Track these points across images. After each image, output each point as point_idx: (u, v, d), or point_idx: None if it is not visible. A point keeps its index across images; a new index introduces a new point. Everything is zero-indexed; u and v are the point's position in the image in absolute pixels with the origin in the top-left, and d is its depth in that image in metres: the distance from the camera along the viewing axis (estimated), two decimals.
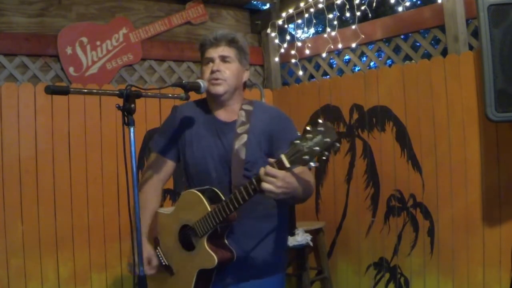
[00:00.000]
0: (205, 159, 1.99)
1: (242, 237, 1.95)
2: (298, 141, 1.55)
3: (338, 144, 1.57)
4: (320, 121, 1.61)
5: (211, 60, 1.99)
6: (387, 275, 3.48)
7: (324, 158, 1.55)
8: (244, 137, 1.97)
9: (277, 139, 1.95)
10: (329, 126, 1.54)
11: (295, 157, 1.55)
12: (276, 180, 1.59)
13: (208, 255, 1.86)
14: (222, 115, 2.04)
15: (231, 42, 2.03)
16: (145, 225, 2.00)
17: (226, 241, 1.92)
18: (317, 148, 1.52)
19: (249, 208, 1.85)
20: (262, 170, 1.61)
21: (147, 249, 1.97)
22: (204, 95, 2.09)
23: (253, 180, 1.67)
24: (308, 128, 1.55)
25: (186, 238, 1.96)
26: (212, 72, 1.97)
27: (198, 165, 2.01)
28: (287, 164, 1.57)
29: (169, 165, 2.10)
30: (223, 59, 2.00)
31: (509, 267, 2.82)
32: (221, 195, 1.91)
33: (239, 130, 1.99)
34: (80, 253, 3.41)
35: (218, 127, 2.02)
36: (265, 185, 1.60)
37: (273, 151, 1.94)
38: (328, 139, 1.52)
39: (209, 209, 1.86)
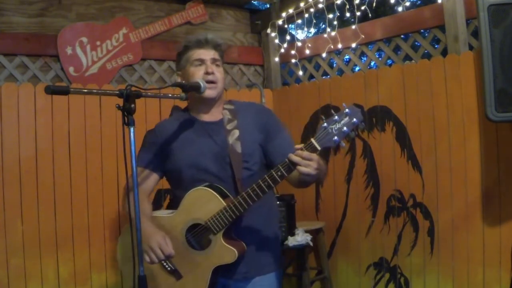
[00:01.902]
0: (200, 159, 2.01)
1: (248, 232, 1.99)
2: (325, 124, 1.69)
3: (364, 124, 1.73)
4: (344, 104, 1.72)
5: (203, 61, 2.02)
6: (387, 275, 3.48)
7: (352, 137, 1.71)
8: (236, 132, 2.03)
9: (271, 129, 2.07)
10: (354, 107, 1.69)
11: (326, 139, 1.70)
12: (313, 162, 1.71)
13: (227, 250, 1.88)
14: (206, 117, 2.08)
15: (218, 46, 2.07)
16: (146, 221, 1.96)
17: (233, 234, 1.95)
18: (346, 128, 1.68)
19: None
20: (293, 156, 1.71)
21: (161, 233, 1.91)
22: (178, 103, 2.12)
23: (280, 167, 1.76)
24: (333, 111, 1.70)
25: (195, 237, 1.96)
26: (208, 73, 2.00)
27: (193, 166, 2.01)
28: (319, 147, 1.71)
29: (153, 178, 2.11)
30: (215, 62, 2.04)
31: (509, 267, 2.82)
32: (224, 189, 1.94)
33: (228, 127, 2.05)
34: (80, 253, 3.41)
35: (207, 128, 2.06)
36: (303, 169, 1.71)
37: (268, 141, 2.05)
38: (355, 119, 1.68)
39: (224, 204, 1.87)
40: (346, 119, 1.68)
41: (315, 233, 3.73)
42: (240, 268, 1.98)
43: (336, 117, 1.69)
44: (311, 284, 3.75)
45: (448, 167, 3.12)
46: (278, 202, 3.43)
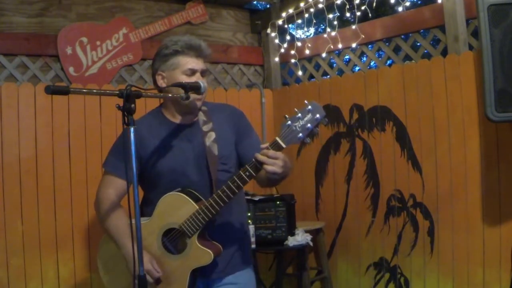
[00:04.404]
0: (181, 165, 2.02)
1: (224, 233, 2.02)
2: (289, 122, 1.72)
3: (326, 119, 1.74)
4: (306, 101, 1.74)
5: (194, 72, 2.02)
6: (387, 275, 3.48)
7: (316, 133, 1.74)
8: (212, 134, 2.05)
9: (242, 131, 2.11)
10: (316, 104, 1.72)
11: (290, 137, 1.72)
12: (279, 161, 1.73)
13: (203, 252, 1.90)
14: (182, 120, 2.09)
15: (208, 56, 2.09)
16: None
17: (208, 236, 1.98)
18: (309, 125, 1.70)
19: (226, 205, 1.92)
20: (259, 156, 1.73)
21: (147, 257, 1.94)
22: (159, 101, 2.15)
23: (248, 167, 1.78)
24: (296, 109, 1.72)
25: (171, 242, 1.98)
26: None
27: (174, 172, 2.02)
28: (283, 145, 1.73)
29: (125, 187, 2.04)
30: (203, 72, 2.06)
31: (509, 267, 2.82)
32: (197, 194, 1.96)
33: (204, 128, 2.07)
34: (80, 253, 3.41)
35: (184, 132, 2.07)
36: (269, 167, 1.73)
37: (239, 142, 2.09)
38: (318, 116, 1.70)
39: (196, 207, 1.89)
40: (309, 115, 1.71)
41: (315, 233, 3.73)
42: (217, 268, 2.01)
43: (299, 114, 1.72)
44: (311, 284, 3.75)
45: (448, 167, 3.12)
46: (278, 202, 3.46)
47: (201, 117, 2.09)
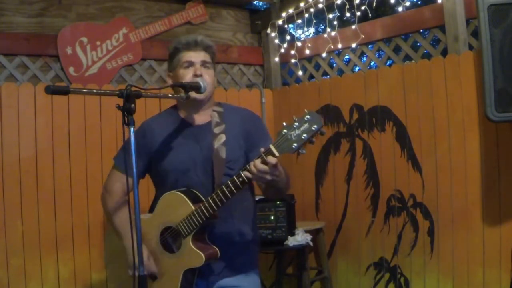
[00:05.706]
0: (187, 165, 2.02)
1: (224, 237, 2.00)
2: (285, 131, 1.68)
3: (324, 131, 1.70)
4: (305, 110, 1.69)
5: (192, 64, 2.03)
6: (387, 275, 3.48)
7: (311, 143, 1.68)
8: (223, 137, 2.03)
9: (253, 137, 2.06)
10: (315, 114, 1.67)
11: (284, 145, 1.68)
12: (267, 175, 1.72)
13: (195, 254, 1.90)
14: (195, 119, 2.09)
15: (209, 48, 2.09)
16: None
17: (207, 239, 1.97)
18: (305, 135, 1.65)
19: (228, 208, 1.92)
20: (251, 165, 1.73)
21: (145, 253, 1.95)
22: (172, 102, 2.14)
23: (241, 173, 1.77)
24: (294, 117, 1.67)
25: (168, 240, 1.98)
26: (196, 76, 2.00)
27: (179, 172, 2.02)
28: (277, 153, 1.69)
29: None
30: (204, 64, 2.05)
31: (509, 267, 2.82)
32: (199, 195, 1.96)
33: (216, 130, 2.05)
34: (80, 253, 3.41)
35: (194, 132, 2.06)
36: (257, 179, 1.75)
37: (249, 149, 2.04)
38: (315, 126, 1.65)
39: (193, 208, 1.89)
40: (306, 125, 1.66)
41: (315, 233, 3.73)
42: (215, 270, 2.00)
43: (296, 123, 1.67)
44: (311, 284, 3.75)
45: (448, 167, 3.12)
46: (278, 202, 3.46)
47: (215, 118, 2.08)
